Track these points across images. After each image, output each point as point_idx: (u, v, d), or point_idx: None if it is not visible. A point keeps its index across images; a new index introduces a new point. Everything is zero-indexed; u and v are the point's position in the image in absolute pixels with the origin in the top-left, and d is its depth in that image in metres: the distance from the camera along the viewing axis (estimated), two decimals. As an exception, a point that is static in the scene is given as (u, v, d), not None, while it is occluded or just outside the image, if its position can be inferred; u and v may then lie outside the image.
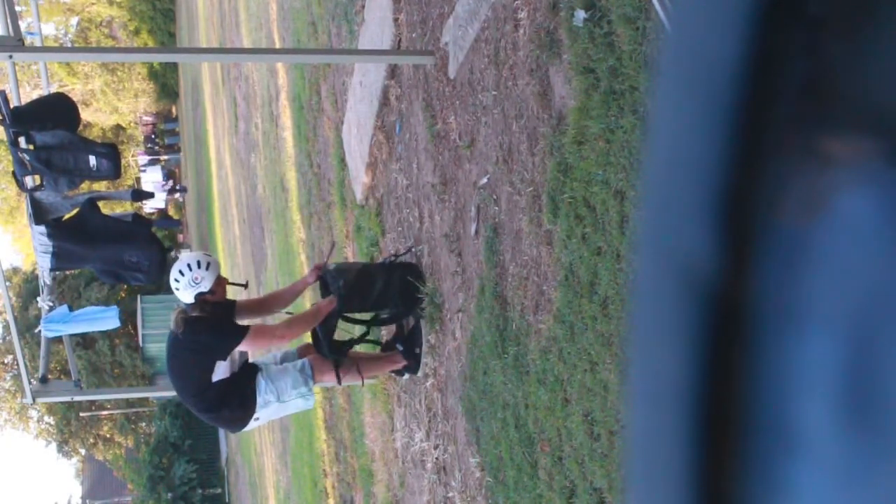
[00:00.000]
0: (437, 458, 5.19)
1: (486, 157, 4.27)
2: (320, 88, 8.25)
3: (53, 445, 41.04)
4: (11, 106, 5.29)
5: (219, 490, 30.48)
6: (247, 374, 5.21)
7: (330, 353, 5.36)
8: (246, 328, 5.10)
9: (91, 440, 38.80)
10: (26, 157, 5.26)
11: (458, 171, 4.69)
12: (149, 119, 46.20)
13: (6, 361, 39.07)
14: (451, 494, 4.91)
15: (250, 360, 5.39)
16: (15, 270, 37.73)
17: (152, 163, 35.68)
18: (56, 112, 5.39)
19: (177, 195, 33.75)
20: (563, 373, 3.52)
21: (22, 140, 5.29)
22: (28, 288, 31.23)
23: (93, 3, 43.32)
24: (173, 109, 46.12)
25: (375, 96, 6.16)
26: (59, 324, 6.52)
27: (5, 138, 5.33)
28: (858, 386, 0.42)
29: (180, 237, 40.18)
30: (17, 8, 7.27)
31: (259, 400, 5.15)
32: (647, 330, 0.52)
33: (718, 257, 0.47)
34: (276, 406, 5.24)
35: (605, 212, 3.18)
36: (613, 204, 3.11)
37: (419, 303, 5.25)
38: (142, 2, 40.61)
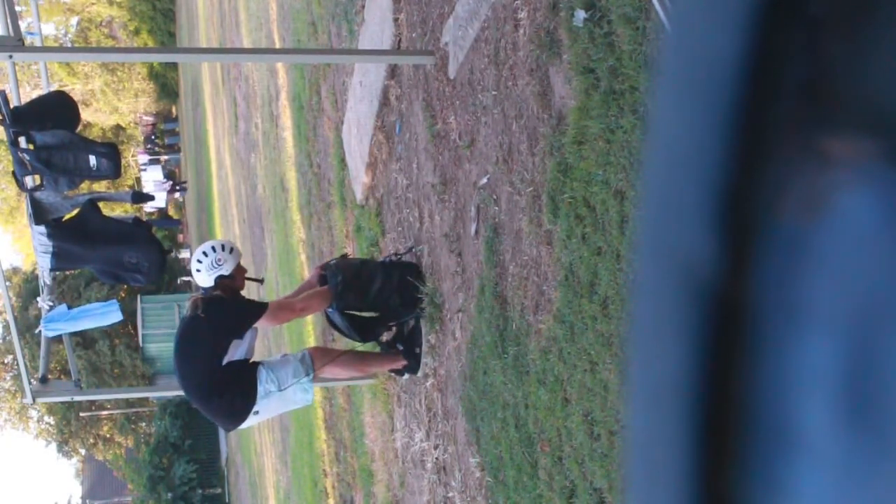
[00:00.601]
0: (437, 458, 5.19)
1: (486, 157, 4.27)
2: (320, 88, 8.26)
3: (53, 445, 41.07)
4: (11, 106, 5.29)
5: (219, 490, 30.50)
6: (248, 368, 5.23)
7: (362, 339, 5.43)
8: (265, 304, 5.24)
9: (91, 440, 38.81)
10: (26, 156, 5.26)
11: (458, 171, 4.69)
12: (149, 119, 46.21)
13: (6, 361, 39.07)
14: (451, 494, 4.91)
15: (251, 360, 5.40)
16: (15, 270, 37.74)
17: (152, 162, 35.66)
18: (56, 112, 5.39)
19: (177, 194, 33.76)
20: (563, 373, 3.52)
21: (22, 140, 5.29)
22: (28, 288, 31.23)
23: (93, 3, 43.33)
24: (173, 109, 46.14)
25: (375, 96, 6.16)
26: (61, 322, 6.52)
27: (5, 138, 5.33)
28: (858, 386, 0.42)
29: (180, 237, 40.19)
30: (17, 8, 7.27)
31: (260, 389, 5.16)
32: (647, 330, 0.52)
33: (718, 257, 0.47)
34: (276, 397, 5.23)
35: (605, 212, 3.18)
36: (613, 204, 3.11)
37: (419, 303, 5.25)
38: (142, 2, 40.63)
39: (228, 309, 5.13)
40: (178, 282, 32.27)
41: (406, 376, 5.67)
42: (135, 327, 31.35)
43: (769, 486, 0.46)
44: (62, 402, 24.53)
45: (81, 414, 36.52)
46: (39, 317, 6.67)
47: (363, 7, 6.52)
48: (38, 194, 5.43)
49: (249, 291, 8.71)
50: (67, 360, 9.29)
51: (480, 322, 4.35)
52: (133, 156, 41.03)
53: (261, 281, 6.46)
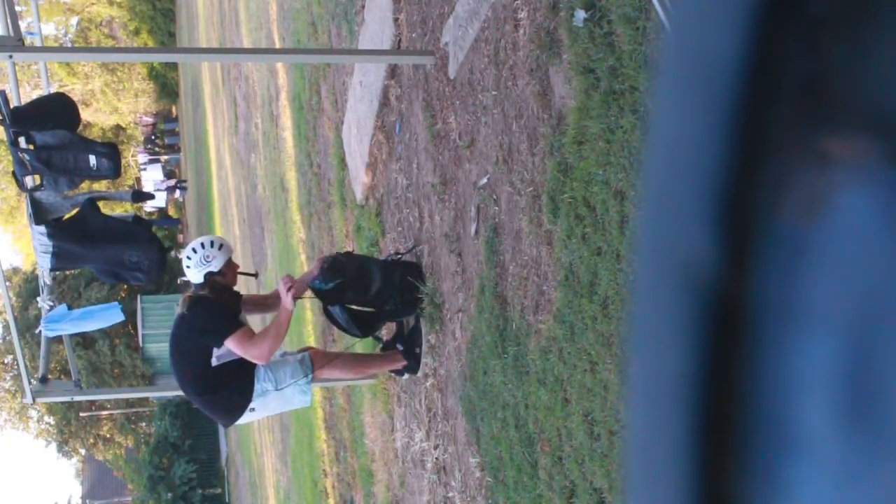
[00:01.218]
0: (437, 458, 5.19)
1: (486, 157, 4.27)
2: (320, 88, 8.26)
3: (53, 445, 41.04)
4: (11, 106, 5.29)
5: (219, 490, 30.49)
6: (247, 365, 5.22)
7: (362, 334, 5.40)
8: (239, 325, 5.04)
9: (91, 440, 38.79)
10: (26, 156, 5.25)
11: (458, 171, 4.69)
12: (149, 119, 46.20)
13: (6, 361, 39.05)
14: (451, 494, 4.91)
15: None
16: (15, 270, 37.71)
17: (152, 162, 35.64)
18: (56, 112, 5.39)
19: (177, 193, 33.72)
20: (563, 373, 3.52)
21: (22, 140, 5.29)
22: (28, 288, 31.21)
23: (93, 3, 43.32)
24: (173, 109, 46.12)
25: (375, 96, 6.16)
26: (61, 322, 6.52)
27: (5, 138, 5.33)
28: (858, 386, 0.42)
29: (180, 237, 40.17)
30: (17, 8, 7.27)
31: (257, 387, 5.16)
32: (647, 330, 0.52)
33: (718, 257, 0.47)
34: (273, 395, 5.23)
35: (605, 212, 3.18)
36: (613, 204, 3.11)
37: (419, 302, 5.25)
38: (142, 2, 40.61)
39: (206, 315, 5.05)
40: (178, 282, 32.21)
41: (406, 376, 5.67)
42: (135, 327, 31.33)
43: (769, 486, 0.46)
44: (62, 402, 24.53)
45: (81, 414, 36.51)
46: (39, 317, 6.67)
47: (363, 7, 6.52)
48: (38, 194, 5.43)
49: (249, 288, 8.70)
50: (67, 360, 9.28)
51: (480, 322, 4.35)
52: (133, 156, 41.01)
53: (255, 275, 6.42)
